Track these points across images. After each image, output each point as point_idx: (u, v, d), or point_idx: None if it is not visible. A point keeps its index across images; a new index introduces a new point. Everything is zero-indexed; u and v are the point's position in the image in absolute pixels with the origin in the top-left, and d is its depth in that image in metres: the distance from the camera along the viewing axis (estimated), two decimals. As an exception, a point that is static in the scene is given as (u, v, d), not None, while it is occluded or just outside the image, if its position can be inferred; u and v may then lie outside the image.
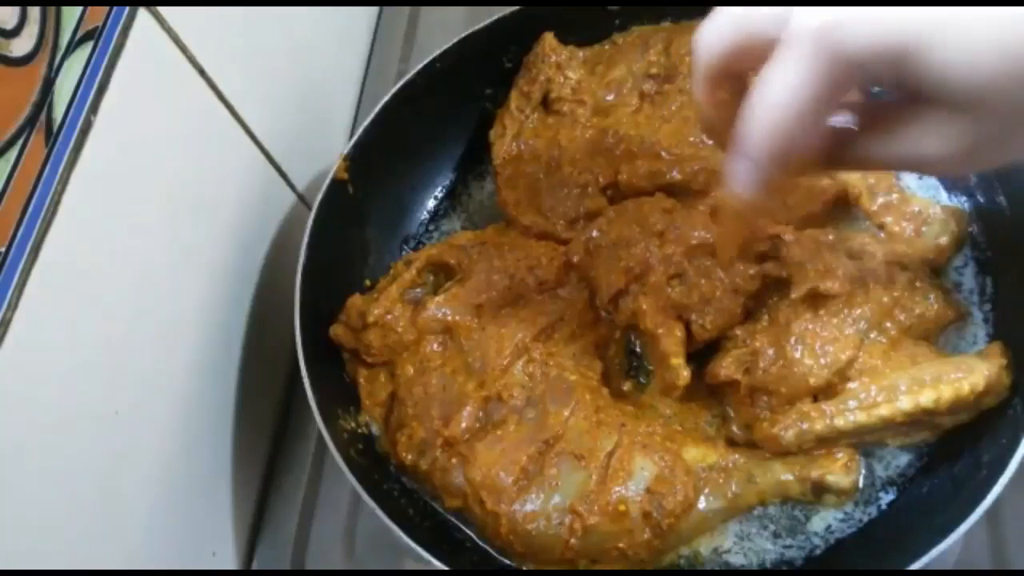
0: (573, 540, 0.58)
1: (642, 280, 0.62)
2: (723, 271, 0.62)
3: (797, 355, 0.59)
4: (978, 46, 0.34)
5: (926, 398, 0.56)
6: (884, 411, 0.57)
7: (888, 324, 0.60)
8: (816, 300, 0.61)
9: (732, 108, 0.40)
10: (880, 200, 0.67)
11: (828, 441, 0.59)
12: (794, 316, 0.60)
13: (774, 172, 0.40)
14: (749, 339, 0.61)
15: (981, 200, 0.67)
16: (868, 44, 0.35)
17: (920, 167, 0.41)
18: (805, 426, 0.58)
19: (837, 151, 0.42)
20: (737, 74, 0.42)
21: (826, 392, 0.59)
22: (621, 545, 0.58)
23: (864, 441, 0.60)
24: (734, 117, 0.40)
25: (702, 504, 0.60)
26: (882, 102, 0.40)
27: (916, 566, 0.53)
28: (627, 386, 0.65)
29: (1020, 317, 0.62)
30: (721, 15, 0.41)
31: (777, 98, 0.37)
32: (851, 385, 0.59)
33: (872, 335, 0.60)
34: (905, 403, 0.57)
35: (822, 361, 0.59)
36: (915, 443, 0.62)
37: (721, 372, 0.61)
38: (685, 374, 0.61)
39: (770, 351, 0.60)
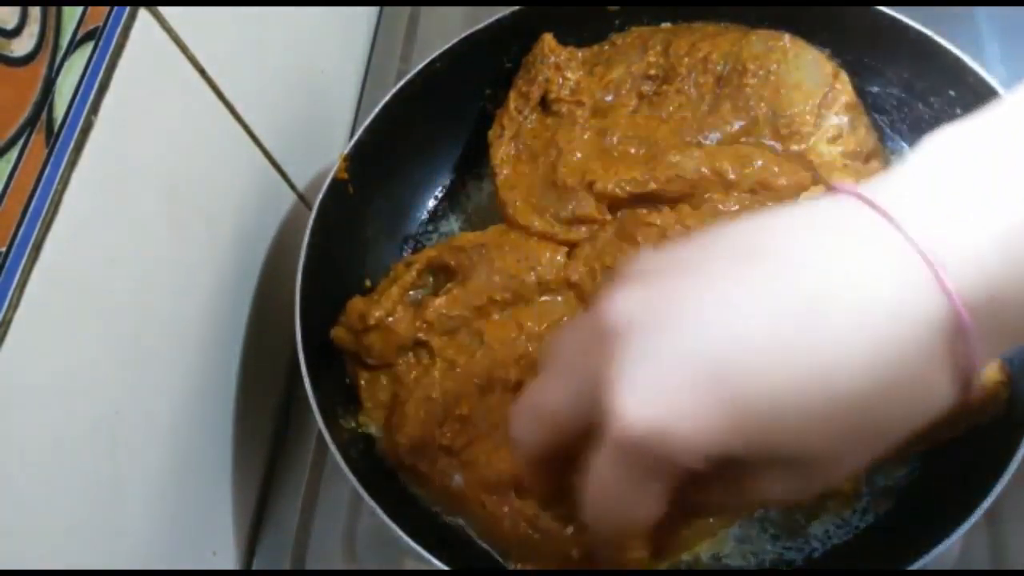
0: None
1: None
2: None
3: None
4: (812, 427, 0.33)
5: None
6: None
7: None
8: None
9: (559, 473, 0.40)
10: None
11: None
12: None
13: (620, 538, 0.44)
14: None
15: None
16: (696, 455, 0.34)
17: (768, 506, 0.40)
18: None
19: (686, 500, 0.39)
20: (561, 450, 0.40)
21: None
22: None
23: None
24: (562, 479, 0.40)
25: (702, 507, 0.60)
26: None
27: (916, 566, 0.53)
28: None
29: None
30: (525, 413, 0.39)
31: (603, 495, 0.37)
32: None
33: None
34: None
35: None
36: (908, 452, 0.61)
37: None
38: None
39: None
